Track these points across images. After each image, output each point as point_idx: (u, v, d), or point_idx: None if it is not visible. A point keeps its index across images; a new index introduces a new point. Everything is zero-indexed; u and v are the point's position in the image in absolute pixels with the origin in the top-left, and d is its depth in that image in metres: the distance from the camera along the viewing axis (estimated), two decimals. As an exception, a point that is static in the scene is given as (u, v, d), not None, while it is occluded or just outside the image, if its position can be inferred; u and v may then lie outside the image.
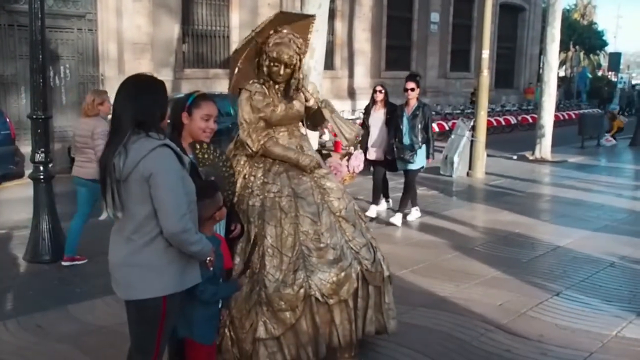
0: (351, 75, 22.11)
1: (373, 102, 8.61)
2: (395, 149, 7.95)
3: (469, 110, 20.87)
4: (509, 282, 5.87)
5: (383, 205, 8.84)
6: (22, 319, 4.95)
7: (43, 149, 6.51)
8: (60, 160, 12.10)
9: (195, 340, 3.13)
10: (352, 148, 4.65)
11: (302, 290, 3.68)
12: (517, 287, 5.73)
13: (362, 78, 22.29)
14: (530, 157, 14.56)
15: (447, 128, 19.04)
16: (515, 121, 22.33)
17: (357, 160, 4.50)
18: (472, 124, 12.44)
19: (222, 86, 15.23)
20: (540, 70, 18.90)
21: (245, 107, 3.95)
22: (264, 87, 3.99)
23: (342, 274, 3.80)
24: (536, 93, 28.08)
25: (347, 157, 4.49)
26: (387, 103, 8.56)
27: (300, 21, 4.19)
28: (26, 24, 6.76)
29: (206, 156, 3.38)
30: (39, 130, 6.52)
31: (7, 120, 11.66)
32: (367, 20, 22.36)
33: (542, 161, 14.21)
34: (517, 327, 4.84)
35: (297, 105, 4.10)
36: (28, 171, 7.53)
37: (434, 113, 21.09)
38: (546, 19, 14.99)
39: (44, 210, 6.54)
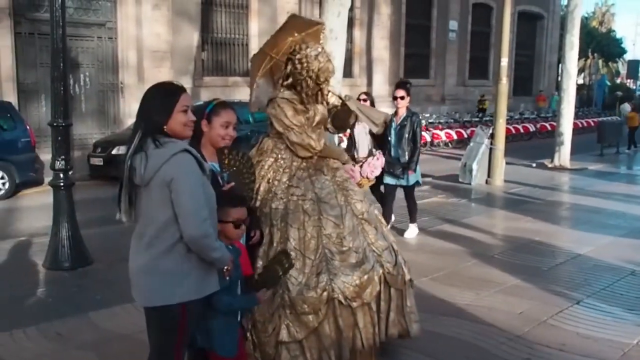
0: (370, 83, 22.14)
1: None
2: (385, 163, 7.08)
3: (487, 118, 20.78)
4: (529, 291, 5.81)
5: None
6: (42, 326, 4.96)
7: (63, 157, 6.56)
8: (80, 168, 12.22)
9: (215, 351, 3.10)
10: (372, 155, 4.66)
11: (325, 293, 3.67)
12: (537, 296, 5.66)
13: (381, 86, 22.31)
14: (549, 165, 14.45)
15: (465, 136, 19.00)
16: (534, 129, 22.21)
17: (370, 167, 4.50)
18: (490, 131, 12.37)
19: (241, 94, 15.30)
20: (559, 78, 18.77)
21: (288, 112, 3.95)
22: (294, 95, 4.01)
23: (365, 276, 3.79)
24: (552, 101, 27.91)
25: (360, 164, 4.50)
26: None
27: (311, 29, 4.21)
28: (47, 32, 6.85)
29: (232, 162, 3.38)
30: (60, 138, 6.58)
31: (28, 127, 11.80)
32: (386, 29, 22.40)
33: (561, 169, 14.09)
34: (538, 335, 4.77)
35: (322, 109, 4.13)
36: (48, 178, 7.61)
37: (452, 121, 21.24)
38: (565, 26, 14.91)
39: (64, 217, 6.59)
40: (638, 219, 8.98)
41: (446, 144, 19.32)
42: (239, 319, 3.24)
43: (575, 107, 16.73)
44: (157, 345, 2.94)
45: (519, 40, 28.13)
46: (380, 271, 3.90)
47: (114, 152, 12.27)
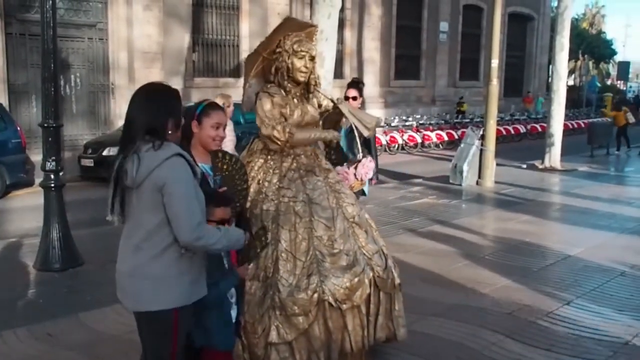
0: (360, 84, 22.11)
1: None
2: None
3: (466, 120, 20.96)
4: (519, 291, 5.84)
5: None
6: (32, 327, 4.95)
7: (54, 158, 6.54)
8: (71, 169, 12.16)
9: (215, 347, 3.12)
10: (359, 156, 4.64)
11: (315, 295, 3.68)
12: (527, 296, 5.69)
13: (372, 87, 22.35)
14: (540, 166, 14.51)
15: (456, 137, 19.06)
16: (525, 130, 22.32)
17: (365, 168, 4.49)
18: (481, 132, 12.42)
19: (232, 95, 15.28)
20: (549, 79, 18.86)
21: (265, 105, 3.95)
22: (281, 90, 4.02)
23: (356, 279, 3.80)
24: (537, 103, 28.00)
25: (355, 165, 4.48)
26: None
27: (305, 30, 4.23)
28: (38, 33, 6.82)
29: (225, 167, 3.39)
30: (50, 139, 6.55)
31: (18, 128, 11.75)
32: (377, 30, 22.45)
33: (551, 170, 14.16)
34: (527, 336, 4.80)
35: (312, 110, 4.12)
36: (38, 179, 7.58)
37: (442, 122, 21.30)
38: (555, 28, 14.98)
39: (55, 218, 6.56)
40: (628, 220, 9.05)
41: (437, 145, 19.38)
42: (234, 316, 3.25)
43: (566, 108, 16.79)
44: (153, 350, 2.91)
45: (509, 41, 28.26)
46: (371, 274, 3.91)
47: (104, 153, 12.23)
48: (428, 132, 19.40)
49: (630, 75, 43.91)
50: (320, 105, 4.23)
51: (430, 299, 5.60)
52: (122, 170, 2.71)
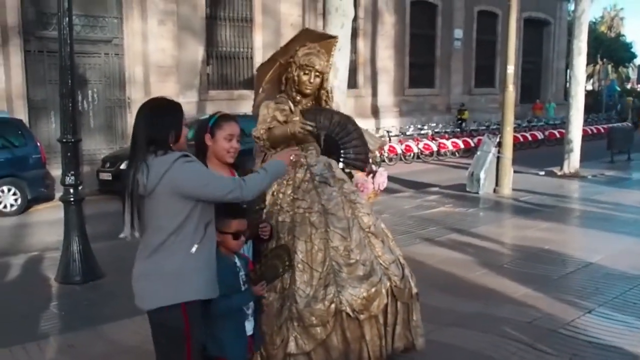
0: (374, 93, 22.16)
1: None
2: None
3: (494, 127, 20.73)
4: (539, 300, 5.77)
5: None
6: (54, 339, 5.03)
7: (73, 172, 6.62)
8: (90, 183, 12.29)
9: (227, 358, 3.14)
10: (374, 166, 4.63)
11: (333, 306, 3.68)
12: (548, 305, 5.63)
13: (386, 96, 22.32)
14: (559, 173, 14.37)
15: (472, 144, 18.96)
16: (542, 136, 22.12)
17: (382, 177, 4.49)
18: (498, 140, 12.35)
19: (246, 107, 15.36)
20: (567, 85, 18.71)
21: (262, 110, 4.05)
22: (290, 102, 4.05)
23: (373, 289, 3.79)
24: (549, 109, 27.64)
25: (372, 175, 4.48)
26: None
27: (324, 40, 4.25)
28: (55, 50, 6.92)
29: None
30: (69, 154, 6.64)
31: (38, 144, 11.91)
32: (390, 38, 22.44)
33: (570, 176, 14.01)
34: (549, 345, 4.74)
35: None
36: (58, 194, 7.66)
37: (458, 130, 21.18)
38: (572, 32, 14.86)
39: (75, 232, 6.64)
40: (649, 226, 8.93)
41: (453, 154, 19.29)
42: (251, 329, 3.25)
43: (585, 114, 16.61)
44: (168, 354, 2.95)
45: (525, 47, 28.10)
46: (388, 284, 3.90)
47: (122, 166, 12.32)
48: (444, 141, 19.33)
49: (650, 78, 43.47)
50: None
51: (448, 308, 5.56)
52: (134, 181, 2.80)
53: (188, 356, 2.92)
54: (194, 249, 2.85)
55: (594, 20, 51.27)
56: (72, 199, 6.64)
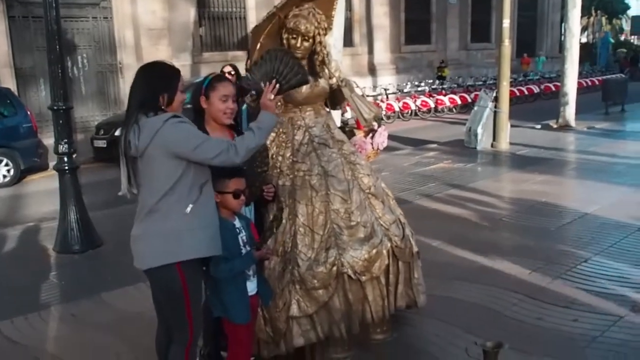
0: (371, 51, 21.92)
1: None
2: None
3: (490, 82, 20.54)
4: (538, 251, 5.82)
5: None
6: (56, 308, 5.04)
7: (66, 140, 6.55)
8: (84, 151, 12.22)
9: (233, 321, 3.18)
10: (375, 124, 4.57)
11: (334, 268, 3.68)
12: (546, 256, 5.68)
13: (382, 53, 22.10)
14: (554, 126, 14.34)
15: (469, 100, 18.84)
16: (538, 90, 21.98)
17: (382, 137, 4.44)
18: (494, 94, 12.27)
19: (241, 68, 15.21)
20: (562, 38, 18.52)
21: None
22: None
23: (374, 251, 3.79)
24: (538, 62, 27.21)
25: (371, 134, 4.43)
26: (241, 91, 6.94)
27: None
28: (41, 14, 6.78)
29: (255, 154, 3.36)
30: (61, 121, 6.55)
31: (29, 113, 11.78)
32: (385, -5, 22.08)
33: (566, 129, 13.99)
34: (548, 295, 4.81)
35: (322, 82, 4.04)
36: (52, 163, 7.60)
37: (455, 86, 21.03)
38: (566, -16, 14.63)
39: (71, 201, 6.60)
40: (645, 176, 8.94)
41: (450, 110, 19.17)
42: (254, 288, 3.26)
43: (580, 66, 16.47)
44: (167, 314, 3.04)
45: (520, 0, 27.71)
46: (389, 245, 3.90)
47: (117, 133, 12.21)
48: (441, 97, 19.19)
49: (644, 30, 43.03)
50: (331, 77, 4.13)
51: (449, 263, 5.60)
52: (126, 142, 2.84)
53: (188, 314, 2.96)
54: (188, 209, 2.86)
55: (588, -29, 50.48)
56: (66, 168, 6.59)
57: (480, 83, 21.27)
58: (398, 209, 4.23)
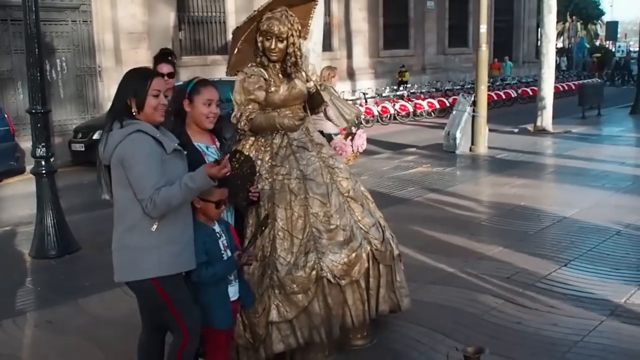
0: (350, 55, 21.99)
1: None
2: None
3: (468, 86, 20.68)
4: (517, 255, 5.86)
5: None
6: (32, 315, 4.96)
7: (44, 144, 6.47)
8: (62, 154, 12.07)
9: (214, 326, 3.15)
10: (354, 128, 4.59)
11: (313, 272, 3.68)
12: (525, 260, 5.71)
13: (361, 58, 22.18)
14: (532, 130, 14.51)
15: (447, 104, 18.99)
16: (516, 94, 22.23)
17: (361, 140, 4.47)
18: (472, 99, 12.38)
19: (221, 72, 15.13)
20: (539, 43, 18.75)
21: (237, 89, 3.93)
22: (262, 70, 3.94)
23: (353, 254, 3.79)
24: (505, 67, 27.28)
25: (351, 137, 4.45)
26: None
27: (302, 4, 4.13)
28: (20, 17, 6.70)
29: (244, 169, 3.34)
30: (39, 125, 6.48)
31: (6, 116, 11.65)
32: (364, 0, 22.20)
33: (544, 133, 14.15)
34: (527, 299, 4.83)
35: (299, 84, 4.03)
36: (29, 167, 7.51)
37: (433, 90, 21.15)
38: (542, -10, 14.83)
39: (48, 205, 6.51)
40: (621, 179, 9.08)
41: (429, 114, 19.30)
42: (235, 293, 3.25)
43: (556, 70, 16.69)
44: (157, 319, 3.07)
45: (497, 6, 27.97)
46: (368, 248, 3.90)
47: (95, 137, 12.08)
48: (419, 101, 19.31)
49: (618, 35, 43.73)
50: (308, 80, 4.13)
51: (429, 267, 5.62)
52: (98, 150, 2.91)
53: (176, 318, 2.96)
54: (154, 227, 2.83)
55: (563, -23, 51.15)
56: (44, 172, 6.51)
57: (459, 87, 21.46)
58: (378, 212, 4.23)
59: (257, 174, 3.60)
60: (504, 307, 4.70)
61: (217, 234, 3.17)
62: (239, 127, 3.89)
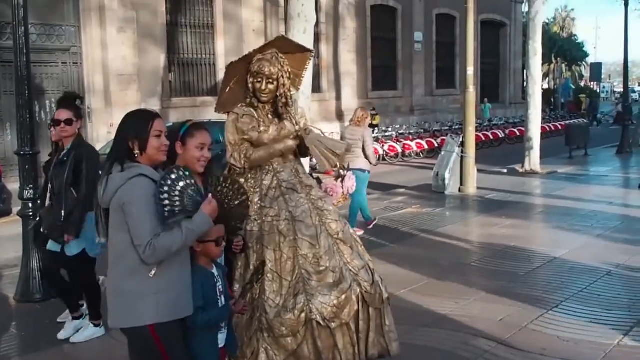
0: (338, 97, 22.22)
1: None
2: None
3: (456, 127, 20.87)
4: (508, 297, 5.83)
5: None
6: (15, 360, 4.84)
7: (32, 185, 6.43)
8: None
9: None
10: (342, 171, 4.59)
11: (303, 315, 3.63)
12: (516, 301, 5.69)
13: (350, 99, 22.41)
14: (520, 170, 14.61)
15: (436, 145, 19.14)
16: (503, 135, 22.47)
17: (351, 181, 4.47)
18: (460, 139, 12.48)
19: (210, 113, 15.23)
20: (525, 84, 19.06)
21: (230, 129, 3.95)
22: (252, 110, 3.96)
23: (343, 296, 3.75)
24: (485, 110, 27.27)
25: (341, 179, 4.46)
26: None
27: (298, 53, 4.18)
28: (10, 59, 6.73)
29: (225, 191, 3.30)
30: (27, 167, 6.44)
31: (-6, 157, 11.58)
32: (352, 42, 22.56)
33: (532, 173, 14.26)
34: (519, 341, 4.79)
35: (289, 126, 4.05)
36: (16, 208, 7.43)
37: (422, 131, 21.34)
38: (527, 33, 15.15)
39: (34, 247, 6.43)
40: (610, 219, 9.12)
41: (417, 154, 19.44)
42: (223, 340, 3.19)
43: (543, 111, 16.94)
44: None
45: (483, 48, 28.54)
46: (358, 290, 3.85)
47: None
48: (408, 142, 19.46)
49: (603, 76, 44.54)
50: (297, 123, 4.14)
51: (419, 309, 5.56)
52: (97, 193, 2.87)
53: None
54: (152, 273, 2.79)
55: (546, 21, 52.32)
56: (30, 214, 6.44)
57: (447, 128, 21.67)
58: (367, 254, 4.19)
59: (243, 192, 3.50)
60: (497, 350, 4.65)
61: (215, 278, 3.13)
62: (239, 166, 3.89)
